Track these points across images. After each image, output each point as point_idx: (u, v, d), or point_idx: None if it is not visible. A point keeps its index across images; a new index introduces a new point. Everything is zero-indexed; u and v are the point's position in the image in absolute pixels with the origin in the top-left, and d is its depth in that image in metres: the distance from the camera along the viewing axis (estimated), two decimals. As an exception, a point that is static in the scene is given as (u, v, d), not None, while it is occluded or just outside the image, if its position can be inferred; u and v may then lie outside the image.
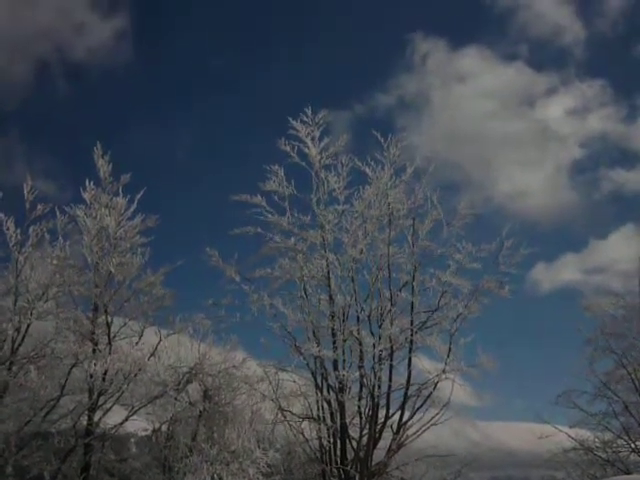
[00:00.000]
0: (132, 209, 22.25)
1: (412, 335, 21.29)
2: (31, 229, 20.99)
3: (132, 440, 26.43)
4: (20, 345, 20.60)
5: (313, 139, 21.88)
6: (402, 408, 21.53)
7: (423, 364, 21.78)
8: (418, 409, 21.64)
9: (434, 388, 21.58)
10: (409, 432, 21.57)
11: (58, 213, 21.53)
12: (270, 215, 21.69)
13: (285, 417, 22.18)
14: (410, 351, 21.45)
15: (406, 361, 21.53)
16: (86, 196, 22.09)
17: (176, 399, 22.07)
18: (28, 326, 20.61)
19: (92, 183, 22.22)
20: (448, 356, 21.43)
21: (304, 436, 22.25)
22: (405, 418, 21.56)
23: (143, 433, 24.54)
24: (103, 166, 22.35)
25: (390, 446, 21.38)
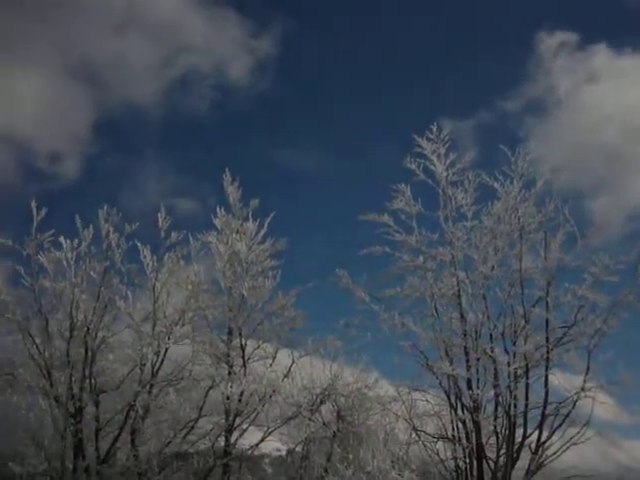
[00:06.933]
0: (262, 233, 22.75)
1: (548, 352, 20.67)
2: (166, 256, 21.78)
3: (266, 461, 26.84)
4: (159, 369, 21.32)
5: (439, 156, 21.69)
6: (540, 427, 20.85)
7: (560, 381, 21.12)
8: (557, 428, 20.94)
9: (573, 406, 20.86)
10: (548, 452, 20.90)
11: (191, 239, 22.29)
12: (398, 234, 21.59)
13: (419, 437, 21.95)
14: (546, 368, 20.83)
15: (542, 379, 20.93)
16: (217, 222, 22.75)
17: (310, 420, 22.25)
18: (166, 350, 21.31)
19: (223, 209, 22.89)
20: (587, 373, 20.70)
21: (439, 457, 21.94)
22: (543, 438, 20.92)
23: (276, 453, 24.86)
24: (232, 192, 22.97)
25: (529, 467, 20.72)
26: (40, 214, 21.31)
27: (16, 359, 21.15)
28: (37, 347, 20.92)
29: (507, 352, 20.74)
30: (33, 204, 21.23)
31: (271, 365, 22.25)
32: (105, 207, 21.82)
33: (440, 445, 22.02)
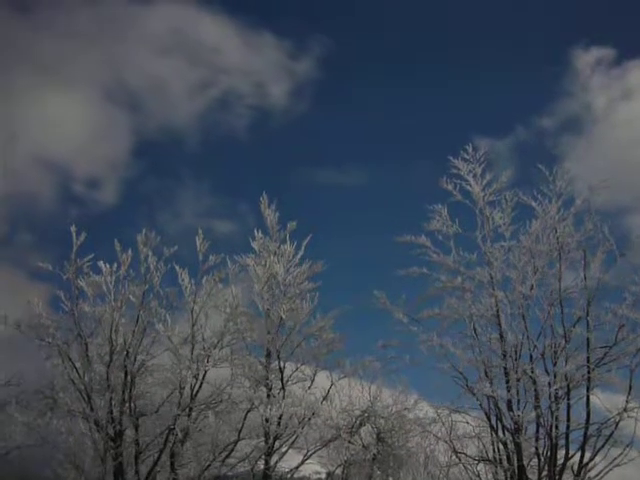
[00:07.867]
0: (300, 255, 22.81)
1: (589, 372, 20.42)
2: (204, 279, 21.91)
3: (305, 483, 26.76)
4: (198, 392, 21.40)
5: (475, 176, 21.59)
6: (582, 448, 20.54)
7: (602, 402, 20.84)
8: (600, 449, 20.62)
9: (615, 427, 20.55)
10: (591, 474, 20.58)
11: (229, 262, 22.40)
12: (435, 255, 21.50)
13: (460, 459, 21.78)
14: (588, 389, 20.58)
15: (584, 399, 20.66)
16: (255, 245, 22.85)
17: (350, 442, 22.17)
18: (205, 373, 21.38)
19: (260, 232, 23.01)
20: (629, 393, 20.41)
21: (480, 479, 21.73)
22: (586, 459, 20.62)
23: (316, 476, 24.77)
24: (270, 215, 23.08)
25: (571, 489, 20.51)
26: (79, 239, 21.65)
27: (56, 383, 21.39)
28: (77, 371, 21.14)
29: (548, 373, 20.45)
30: (72, 229, 21.61)
31: (310, 387, 22.25)
32: (144, 231, 22.10)
33: (481, 467, 21.83)
